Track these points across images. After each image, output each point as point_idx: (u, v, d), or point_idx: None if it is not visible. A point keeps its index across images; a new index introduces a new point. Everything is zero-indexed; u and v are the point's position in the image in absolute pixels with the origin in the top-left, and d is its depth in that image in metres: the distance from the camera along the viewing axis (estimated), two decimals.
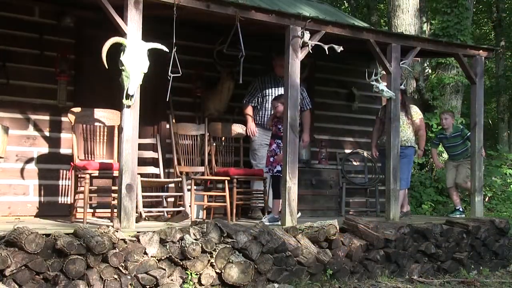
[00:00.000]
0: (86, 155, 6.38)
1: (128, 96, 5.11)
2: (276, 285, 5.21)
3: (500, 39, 20.94)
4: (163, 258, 4.80)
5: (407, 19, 12.28)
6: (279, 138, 6.44)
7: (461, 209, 8.45)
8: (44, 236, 4.39)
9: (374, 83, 6.84)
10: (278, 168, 6.42)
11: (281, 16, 6.05)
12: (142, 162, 6.47)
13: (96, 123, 6.33)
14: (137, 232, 4.87)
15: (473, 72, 7.76)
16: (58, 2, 6.60)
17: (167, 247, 4.82)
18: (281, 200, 6.23)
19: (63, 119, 6.68)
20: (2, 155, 5.78)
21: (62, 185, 6.77)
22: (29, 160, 6.62)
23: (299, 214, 6.68)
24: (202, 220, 6.11)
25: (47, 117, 6.73)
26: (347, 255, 5.86)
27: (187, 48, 7.05)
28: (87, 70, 6.88)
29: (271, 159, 6.55)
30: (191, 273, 4.86)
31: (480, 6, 21.86)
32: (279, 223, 6.11)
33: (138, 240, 4.73)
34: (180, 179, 6.50)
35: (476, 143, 7.74)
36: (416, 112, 7.82)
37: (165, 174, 6.97)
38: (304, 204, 7.39)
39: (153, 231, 4.85)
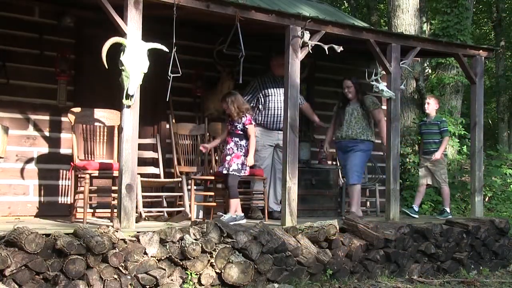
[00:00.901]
0: (86, 155, 6.39)
1: (128, 96, 5.11)
2: (276, 285, 5.21)
3: (500, 39, 20.94)
4: (163, 258, 4.80)
5: (407, 19, 12.27)
6: (237, 136, 6.28)
7: (448, 211, 7.89)
8: (44, 236, 4.39)
9: (374, 83, 6.84)
10: (234, 166, 6.16)
11: (281, 16, 6.05)
12: (142, 162, 6.47)
13: (96, 123, 6.33)
14: (137, 232, 4.87)
15: (473, 72, 7.76)
16: (58, 2, 6.60)
17: (167, 247, 4.83)
18: (237, 199, 6.20)
19: (63, 119, 6.68)
20: (2, 155, 5.77)
21: (62, 185, 6.77)
22: (29, 160, 6.62)
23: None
24: (202, 220, 6.11)
25: (47, 117, 6.73)
26: (347, 255, 5.86)
27: (187, 48, 7.06)
28: (87, 70, 6.88)
29: (228, 157, 6.25)
30: (191, 273, 4.86)
31: (480, 6, 21.86)
32: (240, 222, 6.09)
33: (138, 240, 4.73)
34: (180, 179, 6.49)
35: (476, 143, 7.74)
36: (373, 102, 7.27)
37: (165, 174, 6.97)
38: (304, 204, 7.38)
39: (153, 231, 4.85)
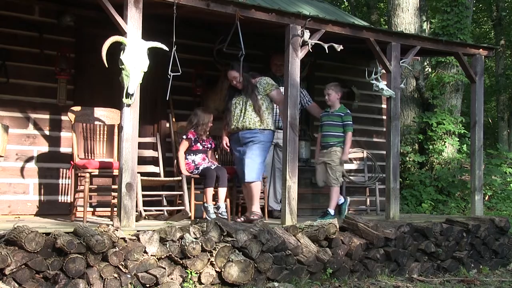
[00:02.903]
0: (86, 154, 6.39)
1: (128, 95, 5.11)
2: (276, 283, 5.21)
3: (500, 37, 20.93)
4: (163, 257, 4.80)
5: (407, 18, 12.28)
6: (207, 152, 6.77)
7: (332, 213, 6.79)
8: (44, 235, 4.39)
9: (374, 82, 6.83)
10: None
11: (281, 15, 6.05)
12: (142, 161, 6.47)
13: (96, 122, 6.33)
14: (137, 231, 4.88)
15: (473, 71, 7.76)
16: (58, 1, 6.59)
17: (167, 246, 4.83)
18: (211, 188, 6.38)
19: (63, 117, 6.68)
20: (2, 154, 5.78)
21: (62, 184, 6.77)
22: (29, 159, 6.62)
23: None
24: (202, 219, 6.11)
25: (47, 116, 6.73)
26: (347, 254, 5.86)
27: (187, 47, 7.05)
28: (87, 69, 6.89)
29: (208, 163, 6.70)
30: (191, 272, 4.87)
31: (480, 5, 21.86)
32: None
33: (138, 239, 4.73)
34: (180, 178, 6.50)
35: (476, 141, 7.74)
36: (268, 83, 6.49)
37: (165, 173, 6.97)
38: (304, 203, 7.38)
39: (153, 230, 4.85)
